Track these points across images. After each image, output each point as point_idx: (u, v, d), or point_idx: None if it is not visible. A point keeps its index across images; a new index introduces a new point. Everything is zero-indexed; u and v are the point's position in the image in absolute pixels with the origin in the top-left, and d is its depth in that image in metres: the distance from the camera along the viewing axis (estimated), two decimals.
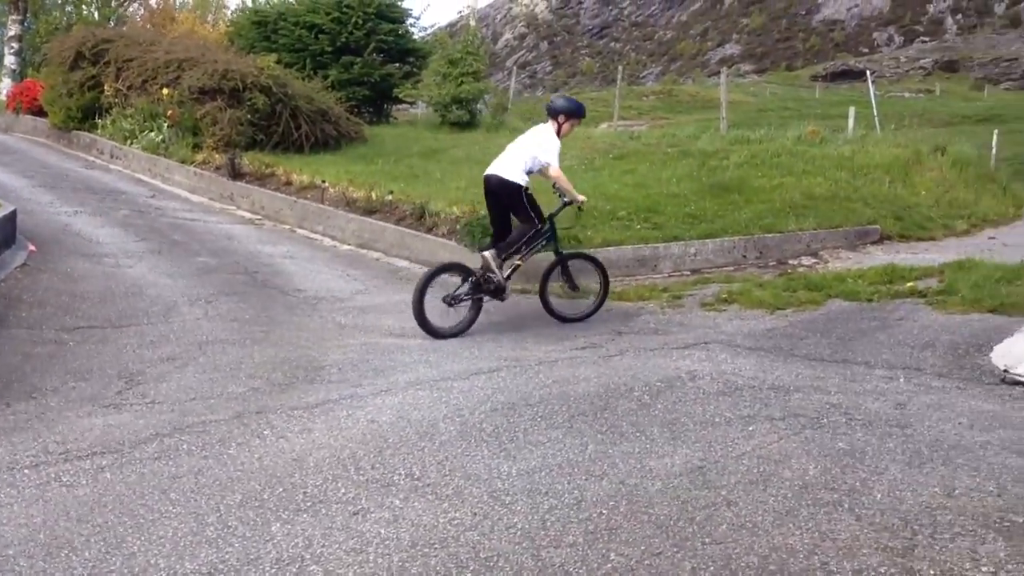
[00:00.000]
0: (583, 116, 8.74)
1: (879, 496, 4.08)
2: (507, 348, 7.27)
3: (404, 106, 24.85)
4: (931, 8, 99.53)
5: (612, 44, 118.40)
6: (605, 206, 11.61)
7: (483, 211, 10.58)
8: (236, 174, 15.28)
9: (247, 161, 15.55)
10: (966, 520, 3.81)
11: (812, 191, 12.92)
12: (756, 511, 3.94)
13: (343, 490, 4.24)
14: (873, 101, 22.91)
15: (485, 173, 8.33)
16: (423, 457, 4.66)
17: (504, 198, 8.24)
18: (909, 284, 8.91)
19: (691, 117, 37.70)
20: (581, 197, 8.50)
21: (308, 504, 4.09)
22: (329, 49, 20.59)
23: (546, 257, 8.66)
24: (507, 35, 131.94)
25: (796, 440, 4.87)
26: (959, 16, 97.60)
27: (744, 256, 11.06)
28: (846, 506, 3.98)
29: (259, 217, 13.93)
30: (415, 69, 22.44)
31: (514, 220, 8.27)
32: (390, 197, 12.34)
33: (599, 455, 4.67)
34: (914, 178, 14.07)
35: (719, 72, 24.52)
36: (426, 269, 8.57)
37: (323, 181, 13.84)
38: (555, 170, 8.20)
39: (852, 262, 10.76)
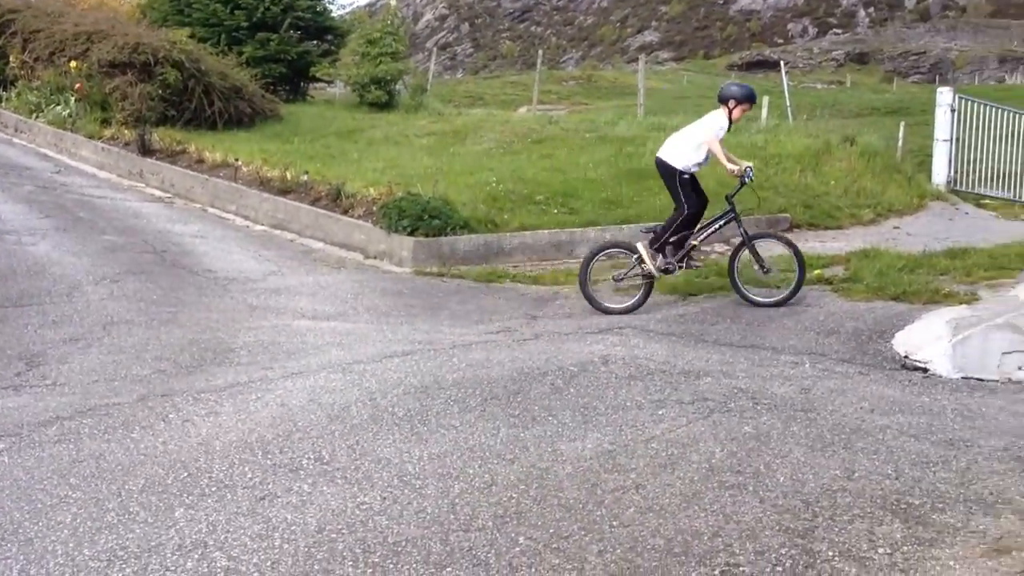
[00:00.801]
0: (754, 102, 8.63)
1: (782, 479, 4.17)
2: (422, 331, 7.24)
3: (321, 85, 24.52)
4: (844, 1, 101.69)
5: (533, 28, 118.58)
6: (523, 190, 11.63)
7: (400, 193, 10.54)
8: (146, 150, 14.89)
9: (158, 137, 15.17)
10: (865, 502, 3.92)
11: (726, 179, 13.06)
12: (663, 494, 4.00)
13: (250, 475, 4.18)
14: (786, 91, 23.33)
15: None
16: (333, 441, 4.62)
17: (663, 179, 8.45)
18: (817, 272, 9.09)
19: (610, 103, 37.95)
20: (744, 163, 8.43)
21: (213, 489, 4.02)
22: (245, 25, 20.20)
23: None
24: (428, 16, 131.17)
25: (704, 424, 4.95)
26: (871, 9, 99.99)
27: None
28: (750, 489, 4.06)
29: (169, 195, 13.61)
30: (333, 48, 22.16)
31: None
32: (306, 177, 12.17)
33: (511, 439, 4.69)
34: (824, 168, 14.34)
35: (638, 59, 24.68)
36: (591, 247, 8.81)
37: (236, 159, 13.58)
38: (715, 146, 8.20)
39: (764, 249, 10.92)
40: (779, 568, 3.35)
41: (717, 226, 8.53)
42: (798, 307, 7.97)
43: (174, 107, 16.14)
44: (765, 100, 21.41)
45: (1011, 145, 15.92)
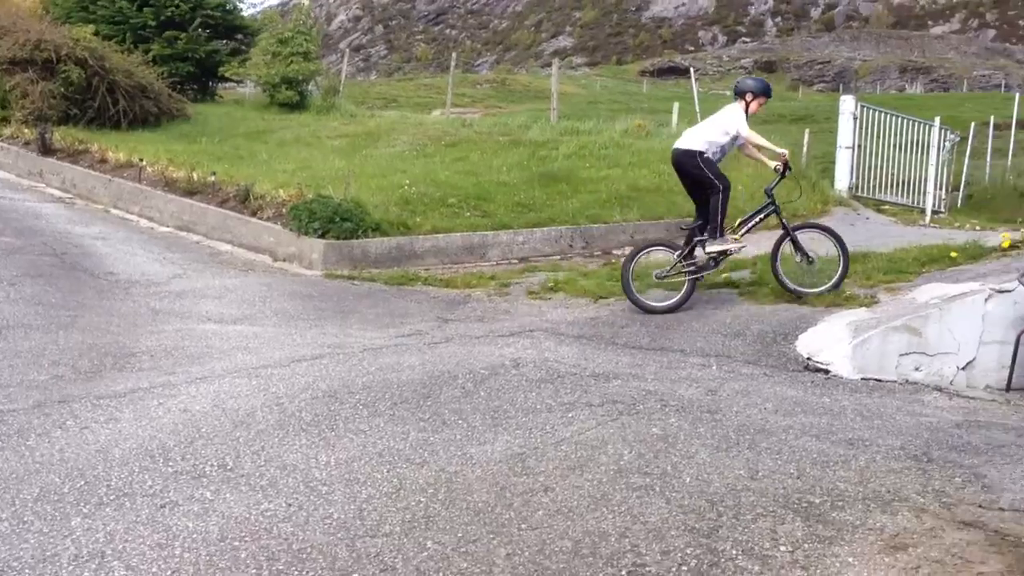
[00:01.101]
0: (770, 95, 8.64)
1: (688, 480, 4.22)
2: (331, 335, 7.16)
3: (231, 84, 24.15)
4: (753, 10, 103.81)
5: (448, 31, 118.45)
6: (435, 193, 11.60)
7: (311, 195, 10.43)
8: (47, 150, 14.49)
9: (59, 136, 14.78)
10: (768, 501, 3.98)
11: (637, 183, 13.25)
12: (572, 496, 4.01)
13: (150, 482, 4.07)
14: (696, 98, 23.67)
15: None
16: (237, 447, 4.53)
17: (686, 167, 8.36)
18: (724, 275, 9.25)
19: (523, 107, 38.12)
20: (781, 150, 8.37)
21: (112, 497, 3.90)
22: (152, 23, 19.82)
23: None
24: (341, 16, 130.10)
25: (613, 426, 4.98)
26: (778, 19, 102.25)
27: (570, 245, 11.26)
28: (657, 490, 4.09)
29: (70, 196, 13.24)
30: (243, 47, 21.86)
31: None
32: (213, 178, 11.96)
33: (420, 443, 4.65)
34: (732, 173, 14.56)
35: (552, 63, 24.82)
36: (630, 248, 8.85)
37: (141, 160, 13.28)
38: (746, 131, 8.25)
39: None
40: (684, 567, 3.39)
41: (758, 219, 8.63)
42: (706, 310, 8.09)
43: (77, 105, 15.76)
44: (676, 106, 21.77)
45: (910, 153, 16.41)
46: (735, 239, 8.39)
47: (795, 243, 8.39)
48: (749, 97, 8.38)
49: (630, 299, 8.22)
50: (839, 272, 8.26)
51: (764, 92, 8.50)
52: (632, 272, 8.21)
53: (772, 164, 8.41)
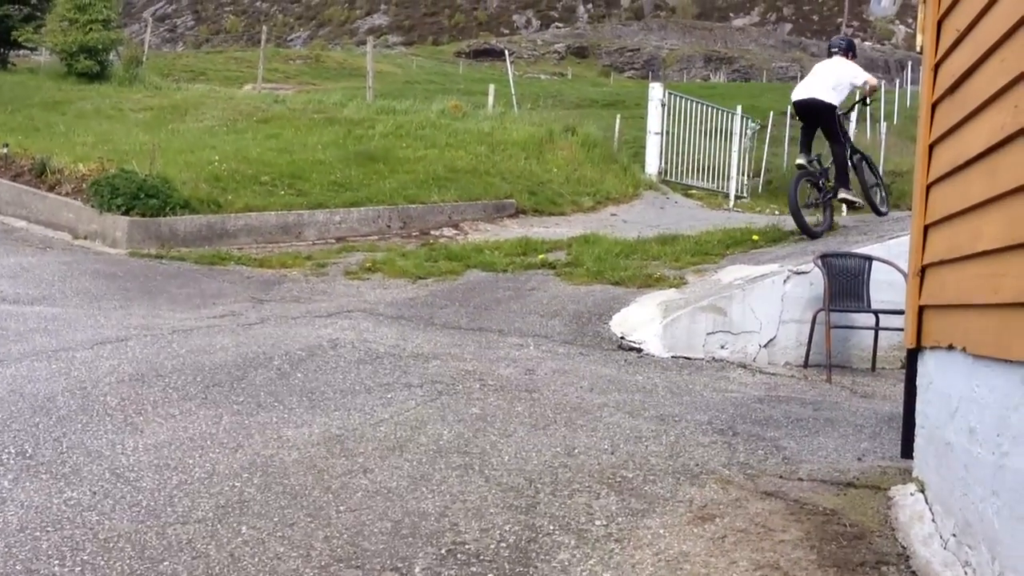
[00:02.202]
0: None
1: (507, 458, 4.27)
2: (137, 316, 6.85)
3: (24, 52, 22.67)
4: None
5: (259, 3, 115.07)
6: (247, 170, 11.28)
7: (113, 170, 9.93)
8: None
9: None
10: (584, 477, 4.08)
11: (454, 164, 13.29)
12: (391, 477, 3.99)
13: None
14: (511, 80, 23.94)
15: (795, 99, 9.62)
16: (37, 434, 4.27)
17: (823, 117, 9.36)
18: (541, 256, 9.41)
19: (338, 84, 37.46)
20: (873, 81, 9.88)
21: None
22: None
23: None
24: None
25: (433, 407, 4.99)
26: (590, 5, 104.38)
27: (388, 226, 11.18)
28: (476, 468, 4.13)
29: None
30: (38, 13, 20.51)
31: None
32: (5, 150, 11.23)
33: (234, 427, 4.52)
34: (547, 156, 14.87)
35: (367, 41, 24.54)
36: (794, 177, 9.59)
37: None
38: (872, 79, 9.78)
39: (490, 234, 11.20)
40: (503, 544, 3.43)
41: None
42: (523, 291, 8.21)
43: None
44: (491, 88, 21.92)
45: (714, 139, 17.14)
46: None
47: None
48: (851, 55, 9.71)
49: (798, 221, 9.27)
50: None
51: (855, 49, 10.06)
52: (799, 196, 9.30)
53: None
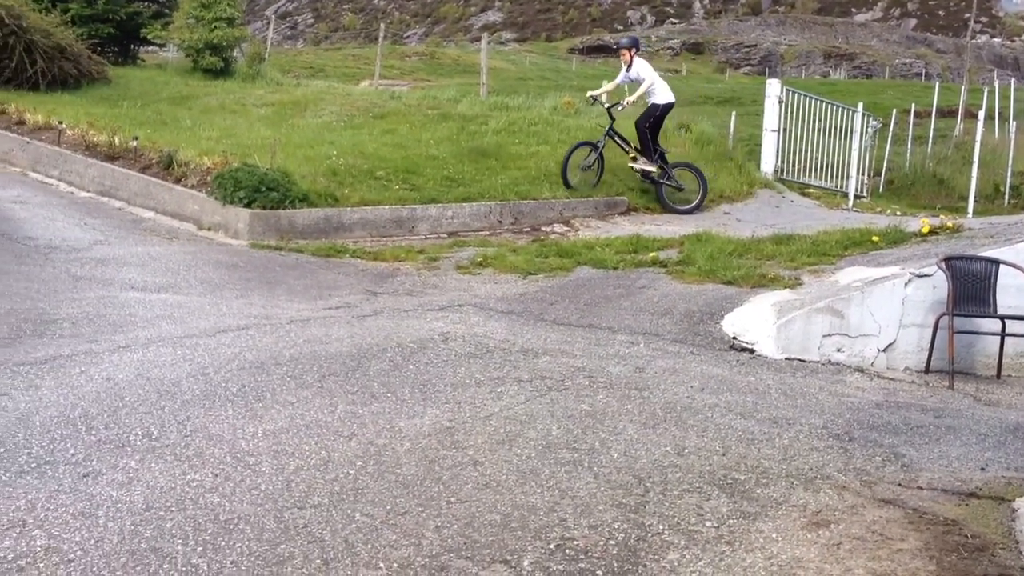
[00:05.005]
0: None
1: (616, 455, 4.27)
2: (258, 306, 7.06)
3: (153, 48, 23.54)
4: None
5: (376, 1, 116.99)
6: (363, 165, 11.49)
7: (236, 163, 10.23)
8: None
9: None
10: (694, 478, 4.05)
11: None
12: (501, 470, 4.02)
13: (72, 451, 3.97)
14: None
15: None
16: (163, 417, 4.44)
17: None
18: (652, 254, 9.34)
19: (452, 80, 37.89)
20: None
21: (33, 466, 3.80)
22: None
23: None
24: None
25: (542, 402, 5.01)
26: (706, 1, 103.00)
27: (500, 221, 11.25)
28: (585, 465, 4.13)
29: None
30: (166, 10, 21.31)
31: None
32: (135, 143, 11.67)
33: (349, 415, 4.62)
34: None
35: (481, 38, 24.72)
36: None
37: (60, 122, 12.92)
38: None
39: (601, 231, 11.17)
40: (612, 541, 3.42)
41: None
42: (634, 288, 8.16)
43: None
44: (604, 84, 21.80)
45: (834, 137, 16.74)
46: None
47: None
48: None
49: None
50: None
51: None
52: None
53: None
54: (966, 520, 3.59)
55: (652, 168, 12.67)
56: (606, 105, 13.07)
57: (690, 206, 12.86)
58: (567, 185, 12.12)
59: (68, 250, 8.42)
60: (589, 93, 13.64)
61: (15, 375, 4.93)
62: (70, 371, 5.06)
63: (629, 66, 12.84)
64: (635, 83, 12.93)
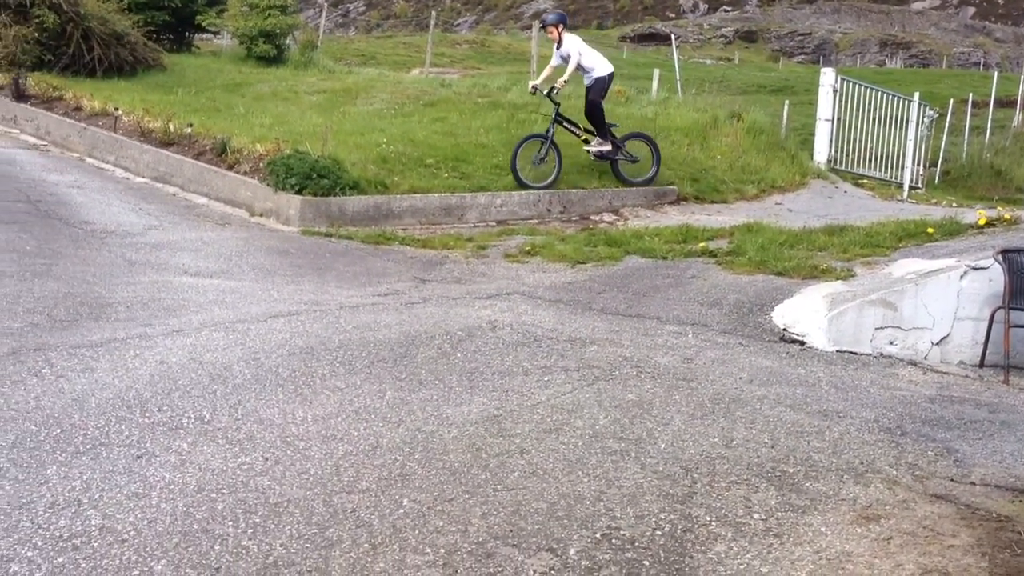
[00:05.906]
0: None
1: (663, 446, 4.25)
2: (308, 292, 7.12)
3: (207, 35, 23.78)
4: None
5: None
6: (413, 152, 11.53)
7: (288, 150, 10.31)
8: (20, 96, 14.30)
9: (33, 83, 14.57)
10: (742, 469, 4.02)
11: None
12: (547, 459, 4.03)
13: (127, 432, 4.05)
14: (676, 65, 23.60)
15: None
16: (214, 400, 4.51)
17: None
18: (701, 244, 9.28)
19: (503, 68, 37.84)
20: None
21: (88, 447, 3.88)
22: None
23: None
24: None
25: (589, 391, 5.00)
26: None
27: (548, 210, 11.25)
28: (632, 455, 4.12)
29: (45, 143, 13.07)
30: None
31: None
32: (189, 130, 11.82)
33: (397, 402, 4.66)
34: (711, 142, 14.63)
35: (531, 26, 24.66)
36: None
37: (116, 108, 13.11)
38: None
39: (650, 221, 11.12)
40: (659, 532, 3.42)
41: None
42: (683, 279, 8.12)
43: (51, 51, 15.53)
44: (656, 73, 21.69)
45: (889, 127, 16.48)
46: None
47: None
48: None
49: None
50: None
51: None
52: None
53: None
54: (1019, 517, 3.54)
55: (607, 148, 12.08)
56: (544, 92, 12.26)
57: (646, 177, 12.40)
58: (520, 184, 11.28)
59: (123, 235, 8.56)
60: (531, 84, 12.88)
61: (72, 357, 5.03)
62: (125, 354, 5.15)
63: (559, 44, 12.01)
64: (569, 62, 12.07)
